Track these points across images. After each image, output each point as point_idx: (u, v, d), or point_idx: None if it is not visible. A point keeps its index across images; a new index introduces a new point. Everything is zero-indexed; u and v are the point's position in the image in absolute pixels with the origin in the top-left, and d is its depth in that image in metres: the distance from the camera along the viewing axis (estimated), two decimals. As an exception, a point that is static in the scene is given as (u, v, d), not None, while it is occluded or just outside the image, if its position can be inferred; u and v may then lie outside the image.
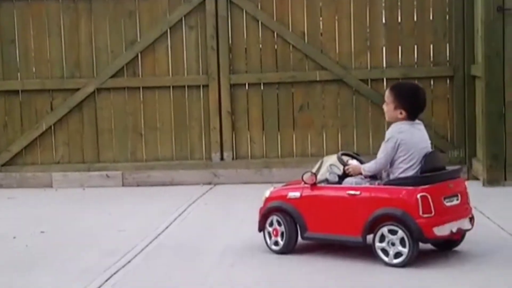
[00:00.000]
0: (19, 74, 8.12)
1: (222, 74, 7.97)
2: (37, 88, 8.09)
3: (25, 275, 4.49)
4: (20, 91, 8.13)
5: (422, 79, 7.83)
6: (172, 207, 6.57)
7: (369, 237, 4.46)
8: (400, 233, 4.30)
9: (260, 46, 8.05)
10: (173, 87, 8.09)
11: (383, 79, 7.98)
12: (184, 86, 8.09)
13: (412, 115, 4.60)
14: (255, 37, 8.04)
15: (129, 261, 4.74)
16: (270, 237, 4.83)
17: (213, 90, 7.98)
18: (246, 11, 7.97)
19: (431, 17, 7.92)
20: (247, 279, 4.28)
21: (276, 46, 8.03)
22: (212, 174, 7.95)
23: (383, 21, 7.99)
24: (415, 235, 4.26)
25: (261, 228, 4.87)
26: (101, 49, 8.08)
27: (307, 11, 7.98)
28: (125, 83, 8.07)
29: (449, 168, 4.74)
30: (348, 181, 4.62)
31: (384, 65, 7.99)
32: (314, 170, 4.74)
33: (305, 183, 4.68)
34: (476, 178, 7.41)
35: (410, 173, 4.46)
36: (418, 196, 4.28)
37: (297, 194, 4.71)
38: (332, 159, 4.78)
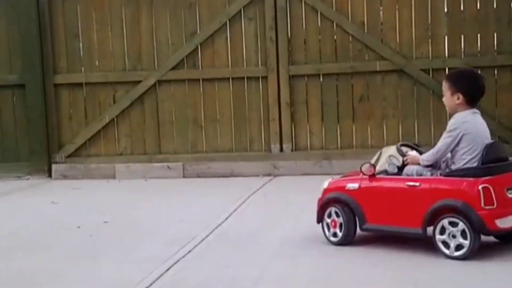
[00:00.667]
0: (82, 68, 8.32)
1: (281, 65, 7.98)
2: (100, 81, 8.27)
3: (88, 263, 4.60)
4: (84, 84, 8.33)
5: (485, 68, 7.66)
6: (232, 198, 6.62)
7: (430, 229, 4.40)
8: (461, 225, 4.23)
9: (319, 36, 8.02)
10: (232, 78, 8.14)
11: (445, 69, 7.83)
12: (243, 78, 8.13)
13: (469, 100, 4.48)
14: (314, 28, 8.01)
15: (189, 251, 4.80)
16: (328, 228, 4.81)
17: (272, 82, 7.99)
18: (305, 2, 7.94)
19: (494, 5, 7.73)
20: (306, 270, 4.28)
21: (335, 37, 7.98)
22: (272, 165, 7.97)
23: (445, 9, 7.84)
24: (476, 227, 4.19)
25: (320, 219, 4.86)
26: (162, 41, 8.19)
27: (367, 1, 7.90)
28: (185, 75, 8.17)
29: None
30: (408, 170, 4.55)
31: (446, 55, 7.84)
32: (372, 161, 4.70)
33: (363, 174, 4.65)
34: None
35: (473, 164, 4.38)
36: (480, 187, 4.20)
37: (355, 185, 4.69)
38: (391, 150, 4.73)
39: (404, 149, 4.72)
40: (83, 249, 5.00)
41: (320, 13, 7.95)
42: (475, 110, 4.54)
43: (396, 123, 7.96)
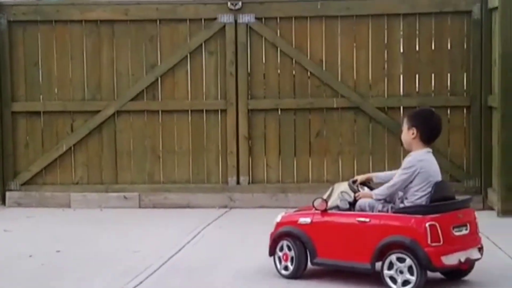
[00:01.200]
0: (41, 96, 8.28)
1: (240, 99, 8.08)
2: (59, 109, 8.24)
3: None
4: (42, 112, 8.28)
5: (439, 108, 7.72)
6: (187, 229, 6.64)
7: (378, 265, 4.49)
8: (408, 261, 4.32)
9: (279, 72, 8.15)
10: (191, 111, 8.20)
11: (400, 108, 8.02)
12: (202, 110, 8.20)
13: (423, 135, 4.62)
14: (274, 64, 8.15)
15: (141, 282, 4.81)
16: (280, 261, 4.88)
17: (231, 115, 8.08)
18: (265, 38, 8.08)
19: (449, 47, 7.97)
20: (257, 302, 4.32)
21: (294, 73, 8.12)
22: (228, 197, 8.02)
23: (401, 50, 8.05)
24: (423, 263, 4.28)
25: (272, 252, 4.93)
26: (122, 72, 8.23)
27: (326, 39, 8.08)
28: (145, 106, 8.20)
29: (459, 198, 4.78)
30: (361, 202, 4.66)
31: (402, 94, 8.04)
32: (325, 197, 4.79)
33: (316, 209, 4.73)
34: (492, 208, 7.40)
35: (423, 201, 4.49)
36: (427, 224, 4.31)
37: (308, 219, 4.78)
38: (343, 186, 4.85)
39: (355, 185, 4.82)
40: (33, 278, 4.96)
41: (280, 49, 8.10)
42: (429, 149, 4.67)
43: (352, 158, 8.10)
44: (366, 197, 4.69)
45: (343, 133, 8.11)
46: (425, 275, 4.34)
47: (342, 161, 8.10)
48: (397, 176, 4.59)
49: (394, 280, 4.42)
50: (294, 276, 4.80)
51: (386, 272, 4.42)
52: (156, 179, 8.20)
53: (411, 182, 4.53)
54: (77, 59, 8.24)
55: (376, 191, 4.68)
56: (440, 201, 4.51)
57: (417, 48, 8.03)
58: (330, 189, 4.92)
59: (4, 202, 8.24)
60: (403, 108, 8.00)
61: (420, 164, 4.53)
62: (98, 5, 8.22)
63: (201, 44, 8.13)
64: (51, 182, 8.26)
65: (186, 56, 8.15)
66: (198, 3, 8.14)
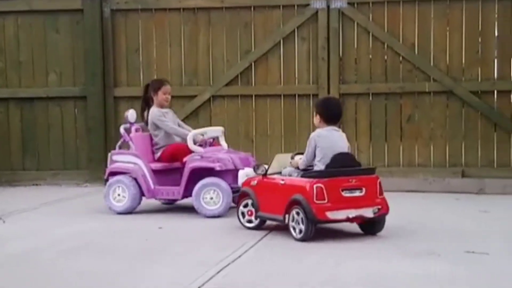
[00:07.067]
0: (142, 81, 8.68)
1: (332, 84, 8.21)
2: (158, 94, 8.60)
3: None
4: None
5: (533, 91, 7.77)
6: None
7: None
8: (301, 214, 5.32)
9: (370, 57, 8.23)
10: (284, 95, 8.41)
11: (494, 91, 7.96)
12: (294, 95, 8.39)
13: (326, 119, 5.57)
14: (366, 48, 8.24)
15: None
16: (244, 216, 5.92)
17: (323, 99, 8.22)
18: (357, 23, 8.18)
19: (545, 30, 7.84)
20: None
21: (386, 57, 8.19)
22: (320, 180, 8.17)
23: (495, 33, 7.97)
24: (309, 216, 5.28)
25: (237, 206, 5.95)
26: (218, 58, 8.52)
27: (419, 23, 8.10)
28: (239, 91, 8.47)
29: (363, 167, 5.64)
30: (284, 170, 5.66)
31: (495, 77, 7.97)
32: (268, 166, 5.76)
33: (257, 174, 5.79)
34: None
35: (323, 168, 5.41)
36: (314, 186, 5.29)
37: (255, 182, 5.82)
38: (282, 156, 5.89)
39: (294, 155, 5.71)
40: (140, 253, 5.29)
41: (372, 34, 8.17)
42: (334, 127, 5.59)
43: (444, 143, 8.10)
44: (295, 165, 5.62)
45: (435, 118, 8.12)
46: (312, 226, 5.30)
47: (434, 146, 8.13)
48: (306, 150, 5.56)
49: (294, 229, 5.41)
50: (257, 227, 5.83)
51: (290, 223, 5.46)
52: (250, 161, 8.44)
53: (315, 155, 5.45)
54: (175, 46, 8.60)
55: (299, 162, 5.59)
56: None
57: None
58: (274, 158, 5.81)
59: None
60: (497, 92, 7.94)
61: (318, 139, 5.47)
62: (196, -7, 8.54)
63: (294, 30, 8.32)
64: (151, 163, 8.63)
65: (279, 41, 8.36)
66: (291, -10, 8.32)
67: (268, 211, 5.69)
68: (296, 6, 8.31)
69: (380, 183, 5.51)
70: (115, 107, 8.70)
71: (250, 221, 5.87)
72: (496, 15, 7.97)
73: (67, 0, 8.78)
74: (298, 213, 5.36)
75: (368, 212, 5.43)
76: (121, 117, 8.70)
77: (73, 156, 8.87)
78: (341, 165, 5.42)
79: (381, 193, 5.50)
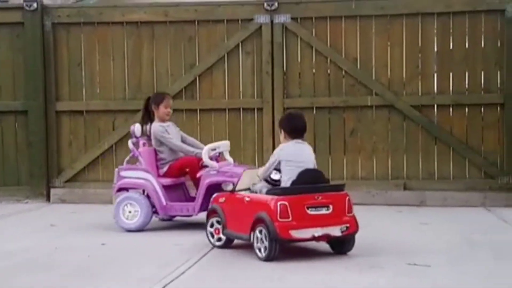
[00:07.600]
0: (84, 95, 8.57)
1: (276, 98, 8.26)
2: (101, 108, 8.53)
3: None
4: (84, 112, 8.57)
5: (472, 106, 8.00)
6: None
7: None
8: (265, 232, 5.15)
9: (314, 71, 8.32)
10: (228, 109, 8.42)
11: (434, 105, 8.14)
12: (239, 109, 8.41)
13: (289, 134, 5.46)
14: (309, 63, 8.32)
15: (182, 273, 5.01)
16: (213, 236, 5.74)
17: (267, 113, 8.27)
18: (301, 38, 8.26)
19: (482, 45, 8.06)
20: None
21: (329, 72, 8.28)
22: (265, 194, 8.19)
23: (435, 48, 8.16)
24: (271, 235, 5.09)
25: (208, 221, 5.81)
26: (162, 72, 8.48)
27: (360, 38, 8.23)
28: (183, 105, 8.43)
29: (331, 184, 5.56)
30: (255, 186, 5.51)
31: (435, 91, 8.14)
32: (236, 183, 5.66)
33: (225, 191, 5.81)
34: (526, 204, 7.48)
35: (289, 184, 5.26)
36: (278, 203, 5.11)
37: (223, 199, 5.68)
38: (250, 172, 5.72)
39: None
40: (81, 269, 5.19)
41: (315, 49, 8.26)
42: (298, 140, 5.46)
43: (386, 156, 8.22)
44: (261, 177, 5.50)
45: (377, 131, 8.24)
46: (276, 245, 5.11)
47: (376, 159, 8.24)
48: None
49: (260, 249, 5.22)
50: (226, 246, 5.67)
51: (255, 243, 5.25)
52: (194, 176, 8.40)
53: (280, 170, 5.33)
54: (119, 60, 8.51)
55: (258, 172, 5.56)
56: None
57: (451, 47, 8.13)
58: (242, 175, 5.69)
59: (48, 199, 8.54)
60: (437, 106, 8.11)
61: (281, 153, 5.37)
62: (139, 7, 8.49)
63: (238, 44, 8.34)
64: (94, 179, 8.54)
65: (224, 56, 8.37)
66: (235, 4, 8.36)
67: (234, 229, 5.51)
68: (240, 21, 8.34)
69: (349, 200, 5.32)
70: (57, 122, 8.56)
71: (219, 239, 5.70)
72: (435, 31, 8.15)
73: (7, 13, 8.62)
74: (261, 231, 5.18)
75: (335, 231, 5.21)
76: (64, 133, 8.60)
77: (14, 172, 8.67)
78: (308, 181, 5.25)
79: (350, 211, 5.31)
